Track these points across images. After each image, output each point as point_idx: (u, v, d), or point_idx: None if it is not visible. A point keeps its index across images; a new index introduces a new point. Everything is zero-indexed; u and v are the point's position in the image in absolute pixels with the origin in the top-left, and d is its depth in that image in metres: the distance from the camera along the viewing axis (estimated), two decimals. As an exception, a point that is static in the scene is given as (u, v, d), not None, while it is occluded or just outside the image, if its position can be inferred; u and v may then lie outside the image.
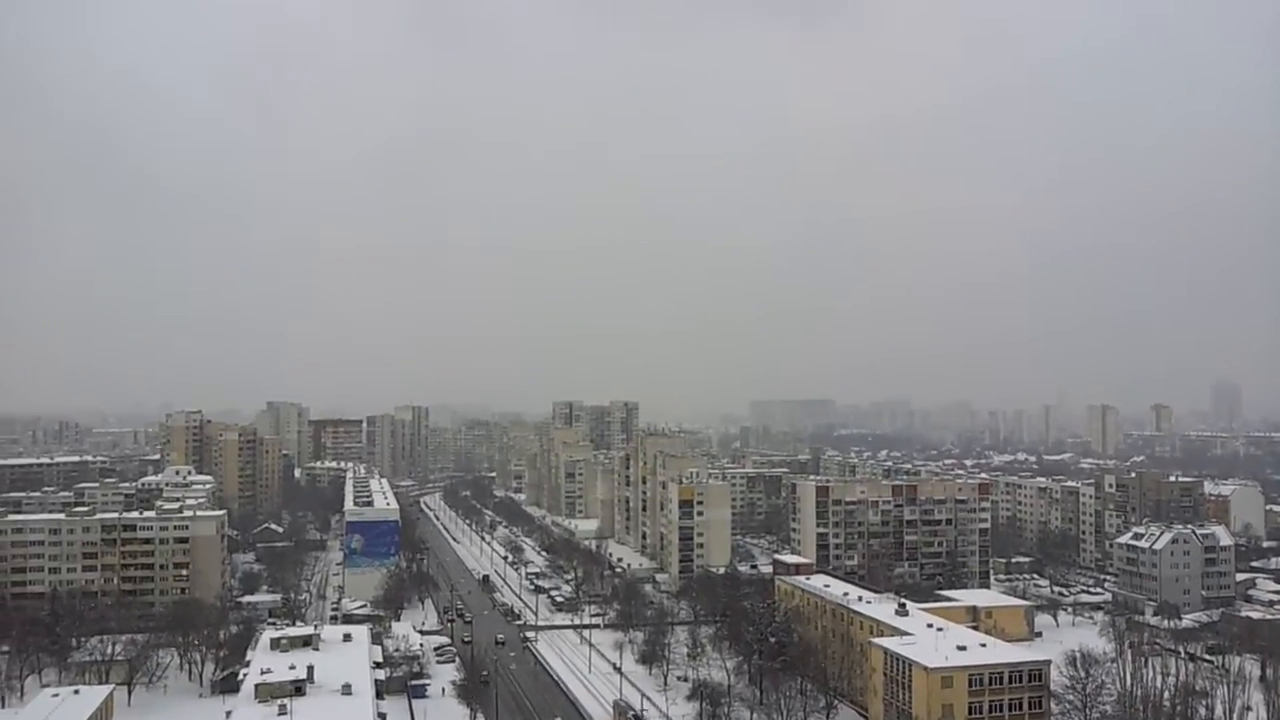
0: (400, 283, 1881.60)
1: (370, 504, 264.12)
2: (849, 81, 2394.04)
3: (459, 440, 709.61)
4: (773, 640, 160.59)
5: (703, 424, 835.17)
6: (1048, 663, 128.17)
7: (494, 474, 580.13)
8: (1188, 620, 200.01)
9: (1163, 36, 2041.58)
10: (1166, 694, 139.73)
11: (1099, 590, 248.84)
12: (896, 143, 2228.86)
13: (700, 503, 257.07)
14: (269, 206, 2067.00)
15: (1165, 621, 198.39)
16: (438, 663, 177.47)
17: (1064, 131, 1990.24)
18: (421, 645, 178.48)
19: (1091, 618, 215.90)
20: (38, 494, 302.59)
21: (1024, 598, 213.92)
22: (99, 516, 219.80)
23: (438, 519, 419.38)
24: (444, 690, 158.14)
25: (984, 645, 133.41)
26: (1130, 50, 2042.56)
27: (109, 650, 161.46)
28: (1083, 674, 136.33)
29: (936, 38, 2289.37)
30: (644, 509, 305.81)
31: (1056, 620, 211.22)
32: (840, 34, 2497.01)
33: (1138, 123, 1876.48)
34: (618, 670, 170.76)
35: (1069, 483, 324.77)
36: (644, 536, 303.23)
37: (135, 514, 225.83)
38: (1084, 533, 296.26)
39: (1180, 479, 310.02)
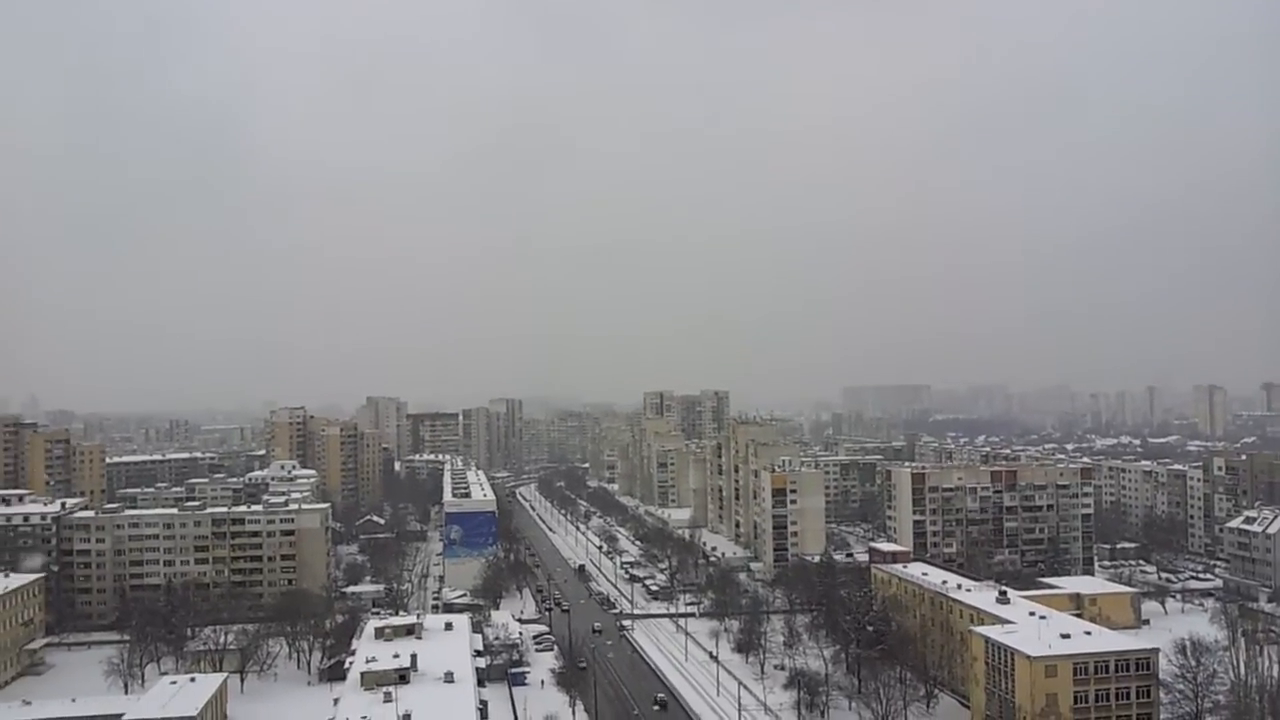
0: (493, 278, 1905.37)
1: (468, 495, 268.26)
2: (933, 56, 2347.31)
3: (552, 432, 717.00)
4: (870, 629, 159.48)
5: (794, 411, 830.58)
6: (1156, 651, 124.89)
7: (587, 464, 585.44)
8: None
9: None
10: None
11: (1209, 576, 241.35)
12: (985, 118, 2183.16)
13: (793, 491, 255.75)
14: (367, 204, 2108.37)
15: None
16: (536, 651, 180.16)
17: (1191, 93, 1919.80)
18: (520, 634, 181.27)
19: (1201, 605, 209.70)
20: (152, 490, 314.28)
21: (1130, 584, 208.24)
22: (209, 511, 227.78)
23: (533, 509, 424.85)
24: (543, 682, 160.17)
25: (1089, 633, 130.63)
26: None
27: (222, 640, 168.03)
28: (1193, 663, 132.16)
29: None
30: (737, 498, 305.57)
31: (1164, 608, 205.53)
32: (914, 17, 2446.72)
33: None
34: (714, 659, 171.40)
35: (1175, 466, 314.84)
36: (737, 525, 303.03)
37: (243, 508, 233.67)
38: (1192, 517, 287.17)
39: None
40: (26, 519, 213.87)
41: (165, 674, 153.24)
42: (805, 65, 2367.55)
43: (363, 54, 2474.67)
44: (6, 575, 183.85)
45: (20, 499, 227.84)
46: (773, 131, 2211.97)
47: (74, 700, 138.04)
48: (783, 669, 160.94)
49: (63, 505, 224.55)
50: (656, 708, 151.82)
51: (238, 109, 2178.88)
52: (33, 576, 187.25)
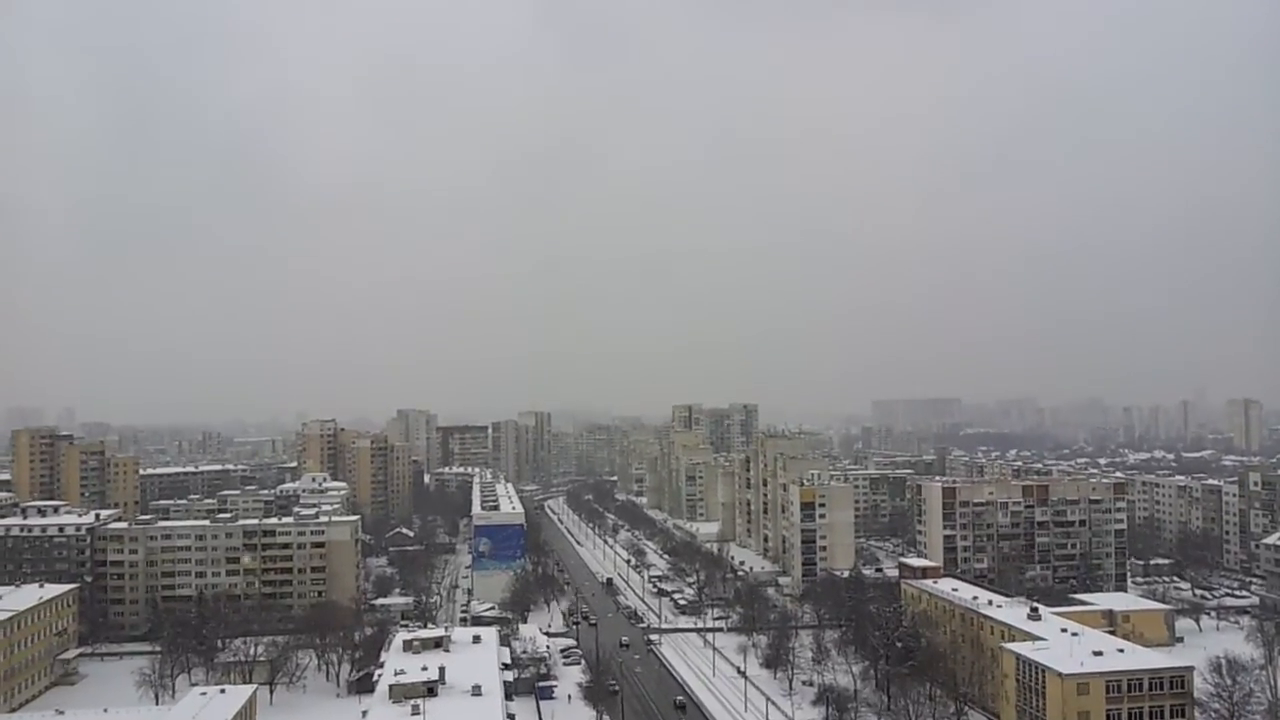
0: (520, 292, 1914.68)
1: (497, 508, 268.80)
2: (952, 72, 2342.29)
3: (580, 445, 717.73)
4: (899, 645, 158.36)
5: (824, 425, 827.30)
6: (1190, 669, 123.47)
7: (615, 478, 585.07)
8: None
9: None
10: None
11: (1244, 594, 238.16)
12: (1000, 130, 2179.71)
13: (822, 505, 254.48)
14: (396, 220, 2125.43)
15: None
16: (564, 665, 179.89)
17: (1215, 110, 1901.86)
18: (548, 647, 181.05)
19: (1237, 622, 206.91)
20: (184, 501, 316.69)
21: (1164, 601, 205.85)
22: (241, 523, 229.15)
23: (561, 522, 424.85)
24: (570, 696, 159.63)
25: (1122, 651, 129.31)
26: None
27: (252, 651, 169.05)
28: (1229, 681, 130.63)
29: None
30: (765, 512, 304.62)
31: (1199, 625, 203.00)
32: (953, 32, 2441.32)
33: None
34: (742, 674, 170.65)
35: (1210, 481, 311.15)
36: (766, 539, 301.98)
37: (274, 520, 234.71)
38: (1227, 533, 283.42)
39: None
40: (61, 530, 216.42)
41: (196, 685, 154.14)
42: (823, 77, 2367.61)
43: (394, 71, 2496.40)
44: (41, 585, 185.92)
45: (56, 510, 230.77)
46: (787, 142, 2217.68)
47: (106, 710, 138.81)
48: (811, 685, 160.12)
49: (97, 516, 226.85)
50: (678, 711, 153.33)
51: (267, 127, 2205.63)
52: (67, 587, 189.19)
